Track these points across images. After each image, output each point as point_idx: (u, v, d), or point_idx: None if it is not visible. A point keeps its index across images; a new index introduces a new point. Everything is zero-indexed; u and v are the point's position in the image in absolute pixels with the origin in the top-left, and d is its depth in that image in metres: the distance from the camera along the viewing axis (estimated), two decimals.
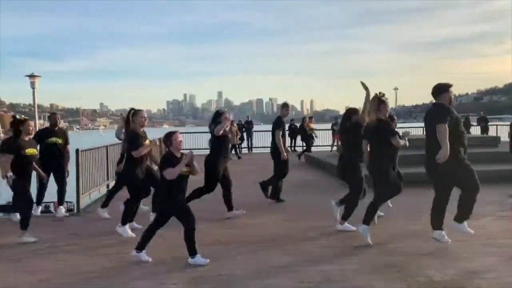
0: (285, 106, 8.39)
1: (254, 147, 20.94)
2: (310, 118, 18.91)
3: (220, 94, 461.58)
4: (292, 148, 18.87)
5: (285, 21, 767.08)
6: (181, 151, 4.82)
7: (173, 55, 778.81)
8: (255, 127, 22.14)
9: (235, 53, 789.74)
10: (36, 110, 13.08)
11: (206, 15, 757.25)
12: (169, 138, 4.76)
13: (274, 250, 5.20)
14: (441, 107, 4.92)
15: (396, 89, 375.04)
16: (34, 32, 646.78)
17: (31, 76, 12.76)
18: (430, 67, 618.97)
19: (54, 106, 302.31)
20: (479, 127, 22.99)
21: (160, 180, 4.89)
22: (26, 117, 6.59)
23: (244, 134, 20.29)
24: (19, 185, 5.57)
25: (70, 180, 7.64)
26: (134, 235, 5.61)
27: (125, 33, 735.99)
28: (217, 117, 6.61)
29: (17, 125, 5.73)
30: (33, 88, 12.73)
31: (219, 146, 6.65)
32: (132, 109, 5.86)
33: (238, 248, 5.29)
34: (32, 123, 5.87)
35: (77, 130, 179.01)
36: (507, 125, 17.70)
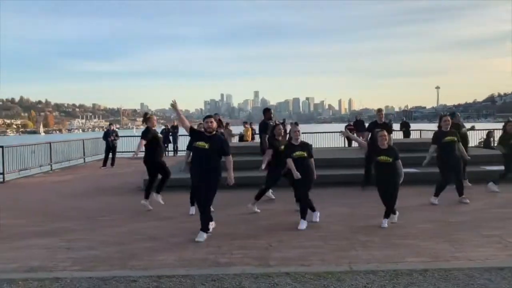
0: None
1: None
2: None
3: (256, 93, 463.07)
4: None
5: (324, 22, 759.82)
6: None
7: (213, 55, 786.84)
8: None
9: (273, 54, 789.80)
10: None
11: (244, 17, 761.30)
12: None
13: None
14: None
15: (437, 88, 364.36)
16: (81, 34, 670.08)
17: None
18: (474, 66, 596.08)
19: (96, 106, 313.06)
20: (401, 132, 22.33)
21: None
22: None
23: None
24: None
25: None
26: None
27: (166, 34, 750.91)
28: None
29: None
30: None
31: None
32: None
33: None
34: None
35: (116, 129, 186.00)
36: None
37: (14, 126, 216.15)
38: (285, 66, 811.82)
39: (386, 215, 6.47)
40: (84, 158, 18.22)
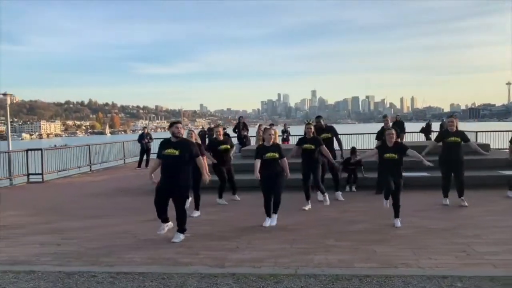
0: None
1: None
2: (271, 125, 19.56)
3: (314, 93, 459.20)
4: None
5: (383, 18, 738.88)
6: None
7: (269, 56, 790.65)
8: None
9: (330, 52, 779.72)
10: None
11: (301, 15, 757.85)
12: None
13: None
14: None
15: (509, 83, 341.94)
16: (144, 39, 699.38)
17: (4, 94, 15.86)
18: None
19: (158, 107, 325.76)
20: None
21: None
22: None
23: None
24: None
25: None
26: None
27: (224, 36, 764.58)
28: None
29: None
30: (6, 104, 15.67)
31: None
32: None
33: None
34: None
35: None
36: None
37: (84, 128, 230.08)
38: (343, 64, 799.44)
39: (397, 214, 6.77)
40: (124, 159, 19.31)
